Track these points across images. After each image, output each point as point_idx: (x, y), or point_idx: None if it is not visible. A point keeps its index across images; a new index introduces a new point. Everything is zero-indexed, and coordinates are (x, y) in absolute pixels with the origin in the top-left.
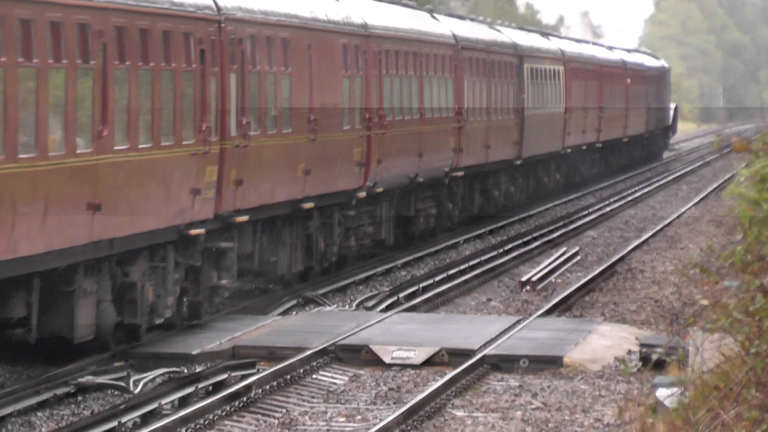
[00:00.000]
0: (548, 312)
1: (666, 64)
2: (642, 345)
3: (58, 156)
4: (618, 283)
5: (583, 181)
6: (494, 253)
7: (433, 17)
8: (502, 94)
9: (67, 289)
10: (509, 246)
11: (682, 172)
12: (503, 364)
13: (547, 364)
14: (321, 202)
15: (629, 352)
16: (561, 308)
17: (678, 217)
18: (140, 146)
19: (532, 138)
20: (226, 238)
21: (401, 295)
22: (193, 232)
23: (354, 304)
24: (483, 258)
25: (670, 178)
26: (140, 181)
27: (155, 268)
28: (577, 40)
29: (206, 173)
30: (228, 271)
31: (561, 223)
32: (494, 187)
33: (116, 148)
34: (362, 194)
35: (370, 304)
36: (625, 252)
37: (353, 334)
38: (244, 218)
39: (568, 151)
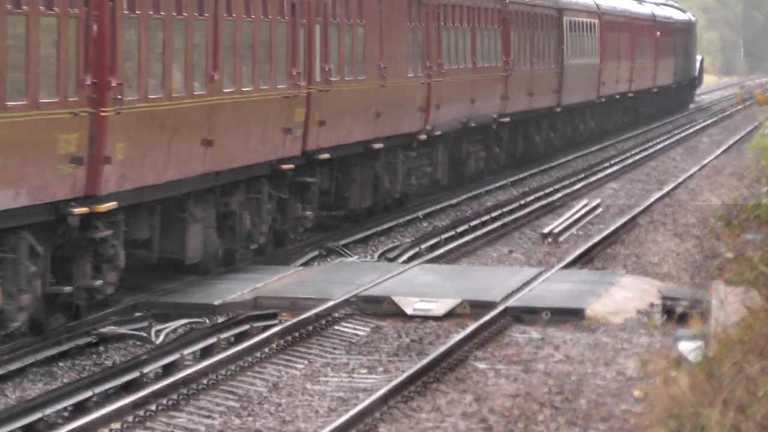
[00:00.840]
0: (570, 264)
1: (692, 18)
2: (664, 298)
3: (179, 97)
4: (640, 236)
5: (616, 129)
6: (516, 204)
7: None
8: (544, 45)
9: (181, 216)
10: (531, 198)
11: (704, 124)
12: (525, 316)
13: (570, 316)
14: (388, 143)
15: (651, 305)
16: (583, 260)
17: (700, 169)
18: (243, 89)
19: (570, 87)
20: (310, 174)
21: (423, 246)
22: (284, 167)
23: (376, 255)
24: (505, 209)
25: (691, 130)
26: (243, 120)
27: (251, 199)
28: None
29: (295, 114)
30: (311, 204)
31: (582, 175)
32: (536, 132)
33: (225, 90)
34: (423, 137)
35: (391, 255)
36: (646, 204)
37: (375, 285)
38: (326, 156)
39: (603, 100)
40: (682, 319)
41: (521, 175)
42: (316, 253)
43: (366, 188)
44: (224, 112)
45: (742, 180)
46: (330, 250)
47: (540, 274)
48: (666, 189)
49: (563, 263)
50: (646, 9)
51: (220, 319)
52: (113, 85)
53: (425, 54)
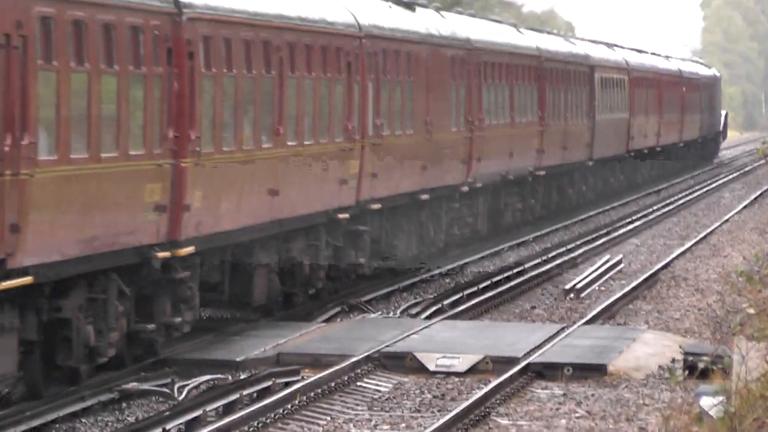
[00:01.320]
0: (592, 320)
1: (717, 73)
2: (686, 353)
3: (249, 150)
4: (661, 291)
5: (644, 182)
6: (538, 260)
7: (519, 31)
8: (576, 101)
9: (247, 261)
10: (553, 253)
11: (726, 179)
12: (547, 371)
13: (592, 372)
14: (433, 195)
15: (673, 360)
16: (605, 316)
17: (721, 224)
18: (305, 142)
19: (601, 141)
20: (362, 222)
21: (445, 302)
22: (340, 216)
23: (398, 312)
24: (527, 265)
25: (713, 185)
26: (305, 171)
27: (311, 245)
28: (638, 51)
29: (350, 166)
30: (363, 251)
31: (604, 231)
32: (569, 185)
33: (288, 143)
34: (465, 189)
35: (414, 311)
36: (668, 260)
37: (397, 341)
38: (377, 206)
39: (632, 153)
40: (704, 374)
41: (544, 231)
42: (338, 309)
43: (412, 237)
44: (287, 164)
45: (763, 235)
46: (352, 307)
47: (562, 329)
48: (688, 245)
49: (585, 319)
50: (672, 65)
51: (243, 376)
52: (192, 138)
53: (467, 110)
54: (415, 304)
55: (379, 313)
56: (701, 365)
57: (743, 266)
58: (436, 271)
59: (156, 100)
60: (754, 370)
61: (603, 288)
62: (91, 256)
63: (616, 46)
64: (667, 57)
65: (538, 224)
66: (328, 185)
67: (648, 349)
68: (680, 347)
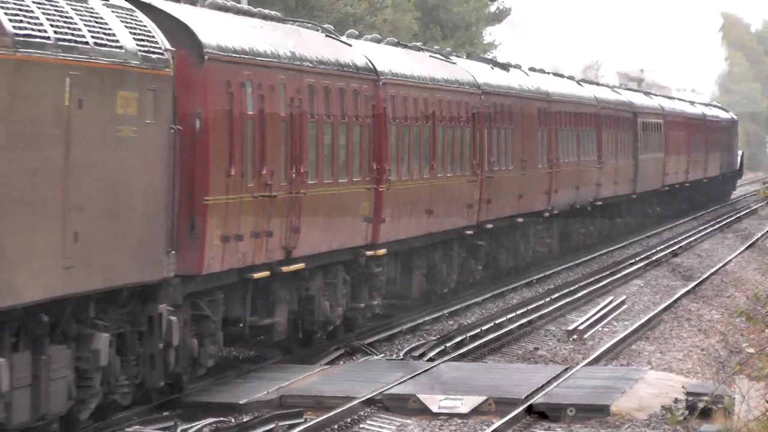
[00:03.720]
0: (595, 361)
1: (734, 116)
2: (688, 393)
3: (416, 179)
4: (664, 332)
5: (679, 213)
6: (541, 302)
7: (579, 84)
8: (624, 142)
9: (409, 263)
10: (556, 295)
11: (728, 219)
12: (550, 412)
13: (594, 412)
14: (525, 218)
15: (676, 400)
16: (608, 357)
17: (724, 265)
18: (447, 174)
19: (643, 177)
20: (480, 238)
21: (448, 344)
22: (467, 232)
23: (401, 353)
24: (530, 307)
25: (716, 226)
26: (446, 197)
27: (446, 255)
28: (669, 97)
29: (474, 194)
30: (480, 260)
31: (607, 272)
32: (618, 215)
33: (438, 174)
34: (546, 214)
35: (417, 353)
36: (671, 300)
37: (400, 383)
38: (490, 225)
39: (666, 188)
40: (706, 414)
41: (547, 272)
42: (341, 351)
43: (511, 251)
44: (437, 191)
45: (766, 275)
46: (355, 349)
47: (565, 370)
48: (691, 285)
49: (588, 360)
50: (697, 110)
51: (246, 418)
52: (385, 169)
53: (549, 150)
54: (418, 346)
55: (382, 355)
56: (701, 405)
57: (745, 306)
58: (439, 314)
59: (366, 141)
60: (754, 409)
61: (606, 329)
62: (330, 252)
63: (653, 94)
64: (692, 102)
65: (548, 264)
66: (459, 209)
67: (651, 389)
68: (683, 387)
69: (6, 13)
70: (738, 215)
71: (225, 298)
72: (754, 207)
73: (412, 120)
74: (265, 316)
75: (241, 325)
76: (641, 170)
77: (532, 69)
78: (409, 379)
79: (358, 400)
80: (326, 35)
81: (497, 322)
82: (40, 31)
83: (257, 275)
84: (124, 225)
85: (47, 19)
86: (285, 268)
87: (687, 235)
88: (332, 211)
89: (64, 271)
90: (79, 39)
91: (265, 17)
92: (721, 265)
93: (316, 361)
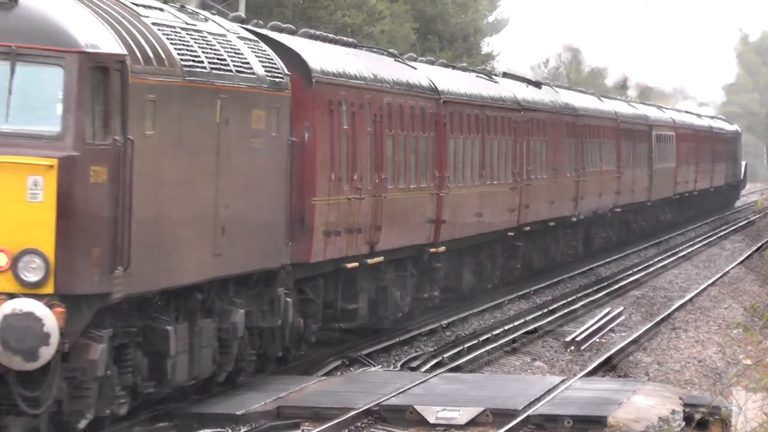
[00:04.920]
0: (592, 372)
1: (738, 128)
2: (685, 405)
3: (469, 186)
4: (662, 343)
5: (690, 219)
6: (539, 313)
7: (600, 99)
8: (640, 153)
9: (461, 260)
10: (554, 306)
11: (727, 230)
12: (547, 424)
13: (592, 423)
14: (556, 222)
15: (673, 411)
16: (605, 368)
17: (722, 276)
18: (494, 182)
19: (657, 186)
20: (519, 240)
21: (446, 355)
22: (509, 234)
23: (398, 365)
24: (528, 318)
25: (714, 237)
26: (493, 202)
27: (491, 253)
28: (678, 111)
29: (515, 200)
30: (518, 259)
31: (605, 283)
32: (633, 221)
33: (486, 182)
34: (574, 219)
35: (414, 364)
36: (668, 312)
37: (397, 394)
38: (528, 228)
39: (677, 196)
40: (703, 425)
41: (545, 284)
42: (338, 362)
43: (544, 251)
44: (486, 196)
45: (764, 286)
46: (353, 360)
47: (562, 382)
48: (688, 296)
49: (585, 371)
50: (704, 122)
51: (243, 429)
52: (446, 176)
53: (576, 160)
54: (415, 357)
55: (380, 366)
56: (698, 416)
57: (742, 318)
58: (436, 324)
59: (430, 153)
60: (751, 420)
61: (604, 340)
62: (402, 248)
63: (665, 107)
64: (699, 115)
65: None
66: (503, 212)
67: (648, 400)
68: (680, 399)
69: (176, 49)
70: (735, 226)
71: (324, 284)
72: (752, 218)
73: (466, 134)
74: (351, 301)
75: (333, 309)
76: (655, 179)
77: (558, 85)
78: (406, 390)
79: (356, 411)
80: (394, 59)
81: (494, 333)
82: (199, 62)
83: (349, 265)
84: (256, 220)
85: (203, 52)
86: (369, 261)
87: (686, 245)
88: (405, 212)
89: (214, 258)
90: (225, 68)
91: (346, 44)
92: (718, 276)
93: (313, 372)
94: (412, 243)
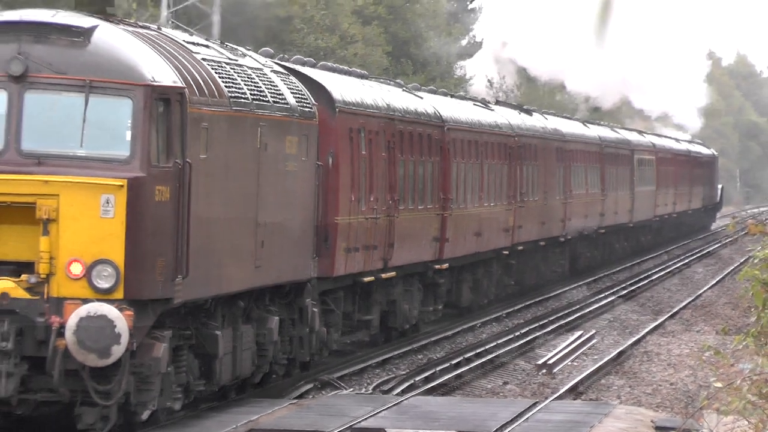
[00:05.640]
0: (564, 395)
1: (715, 152)
2: (657, 428)
3: (469, 207)
4: (634, 366)
5: (669, 240)
6: (510, 336)
7: (585, 125)
8: (623, 176)
9: (460, 277)
10: (525, 329)
11: (699, 254)
12: None
13: None
14: (546, 243)
15: None
16: (577, 391)
17: (695, 299)
18: (491, 204)
19: (638, 208)
20: (513, 258)
21: (418, 378)
22: (504, 252)
23: (370, 388)
24: (499, 341)
25: (687, 260)
26: (490, 222)
27: (487, 270)
28: (659, 135)
29: (509, 221)
30: (512, 276)
31: (577, 306)
32: (616, 241)
33: (485, 204)
34: (562, 239)
35: (386, 387)
36: (640, 335)
37: (369, 417)
38: (521, 247)
39: (657, 218)
40: None
41: (517, 306)
42: (311, 385)
43: (534, 269)
44: (484, 218)
45: (736, 309)
46: (324, 383)
47: (534, 405)
48: (660, 319)
49: (557, 394)
50: (683, 146)
51: None
52: (450, 198)
53: (564, 184)
54: (388, 380)
55: (351, 389)
56: None
57: (714, 341)
58: (408, 348)
59: (435, 176)
60: None
61: (576, 363)
62: (411, 264)
63: (646, 132)
64: (677, 140)
65: (511, 301)
66: (499, 233)
67: (620, 423)
68: (652, 422)
69: (223, 82)
70: (708, 249)
71: (343, 296)
72: (725, 241)
73: (467, 158)
74: (366, 313)
75: (351, 320)
76: (637, 201)
77: (546, 112)
78: (378, 412)
79: None
80: (402, 90)
81: (467, 356)
82: (242, 93)
83: (366, 279)
84: (289, 236)
85: (245, 84)
86: (384, 275)
87: (656, 269)
88: (414, 231)
89: (255, 269)
90: (263, 99)
91: (359, 76)
92: (690, 299)
93: (285, 395)
94: (419, 260)
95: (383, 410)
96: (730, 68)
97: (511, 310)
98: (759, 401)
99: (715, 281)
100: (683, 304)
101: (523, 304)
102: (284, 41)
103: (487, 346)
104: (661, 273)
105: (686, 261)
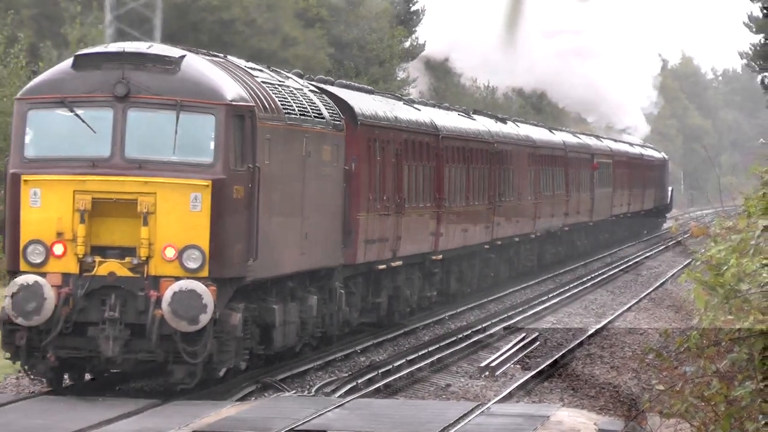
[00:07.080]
0: (507, 397)
1: (666, 156)
2: (600, 430)
3: (459, 206)
4: (577, 369)
5: (625, 237)
6: (453, 338)
7: (552, 132)
8: (584, 179)
9: (455, 267)
10: (468, 332)
11: (643, 257)
12: None
13: None
14: (520, 239)
15: None
16: (520, 393)
17: (638, 302)
18: (475, 203)
19: (598, 208)
20: (490, 252)
21: (360, 380)
22: (485, 247)
23: (313, 390)
24: (442, 344)
25: (630, 263)
26: (472, 220)
27: (471, 263)
28: (615, 140)
29: (490, 218)
30: (491, 269)
31: (520, 309)
32: (577, 239)
33: (470, 203)
34: (533, 236)
35: (329, 389)
36: (584, 337)
37: (312, 419)
38: (500, 242)
39: (613, 217)
40: None
41: (458, 310)
42: (253, 387)
43: (510, 262)
44: (471, 216)
45: (679, 312)
46: (267, 385)
47: (477, 407)
48: (604, 322)
49: (500, 396)
50: (636, 150)
51: None
52: (443, 198)
53: (534, 186)
54: (330, 383)
55: (294, 391)
56: None
57: (657, 344)
58: (351, 350)
59: (431, 179)
60: None
61: (519, 365)
62: (413, 255)
63: (603, 137)
64: (631, 144)
65: (452, 304)
66: (481, 229)
67: (562, 426)
68: (595, 425)
69: (279, 100)
70: (649, 253)
71: (362, 281)
72: (669, 244)
73: (456, 163)
74: (377, 297)
75: (365, 302)
76: (597, 202)
77: (518, 120)
78: (321, 414)
79: None
80: (403, 102)
81: (409, 358)
82: (292, 110)
83: (380, 267)
84: (324, 229)
85: (293, 102)
86: (393, 264)
87: (609, 267)
88: (416, 226)
89: (301, 256)
90: (306, 114)
91: (368, 92)
92: (635, 301)
93: (227, 397)
94: (420, 251)
95: (326, 411)
96: (674, 70)
97: (453, 312)
98: (701, 404)
99: (658, 283)
100: (627, 306)
101: (465, 307)
102: (227, 43)
103: (429, 348)
104: (603, 277)
105: (624, 266)
